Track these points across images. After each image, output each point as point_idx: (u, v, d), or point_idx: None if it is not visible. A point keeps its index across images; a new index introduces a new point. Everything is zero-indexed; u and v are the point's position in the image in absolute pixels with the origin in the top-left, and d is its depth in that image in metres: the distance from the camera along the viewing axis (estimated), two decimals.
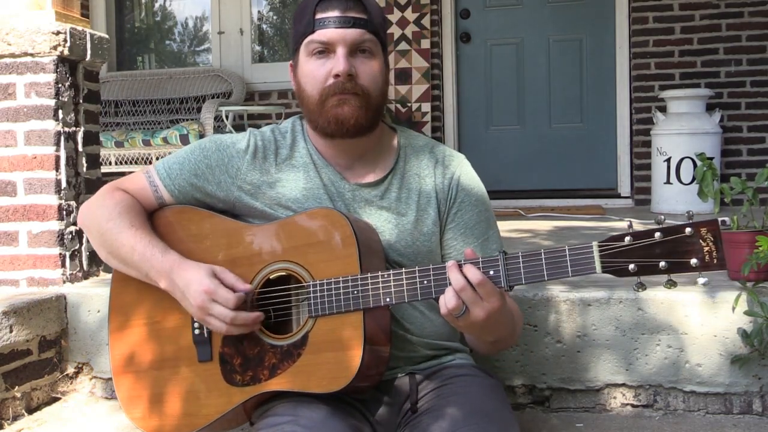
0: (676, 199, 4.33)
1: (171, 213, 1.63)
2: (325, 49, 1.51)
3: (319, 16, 1.50)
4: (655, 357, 1.97)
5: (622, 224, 3.83)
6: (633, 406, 2.00)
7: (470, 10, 5.44)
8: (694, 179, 4.19)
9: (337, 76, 1.49)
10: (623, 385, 2.00)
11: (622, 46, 5.14)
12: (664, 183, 4.41)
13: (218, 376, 1.50)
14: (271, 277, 1.49)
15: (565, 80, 5.33)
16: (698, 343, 1.95)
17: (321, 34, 1.50)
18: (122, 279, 1.61)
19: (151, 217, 1.63)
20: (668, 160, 4.37)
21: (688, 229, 1.25)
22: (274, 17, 6.12)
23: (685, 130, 4.34)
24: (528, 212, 4.55)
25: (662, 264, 1.26)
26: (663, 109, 4.58)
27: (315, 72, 1.52)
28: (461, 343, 1.66)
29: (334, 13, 1.50)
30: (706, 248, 1.24)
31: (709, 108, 4.52)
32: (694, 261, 1.25)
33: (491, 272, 1.35)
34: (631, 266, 1.27)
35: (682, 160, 4.31)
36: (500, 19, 5.42)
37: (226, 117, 4.95)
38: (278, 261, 1.49)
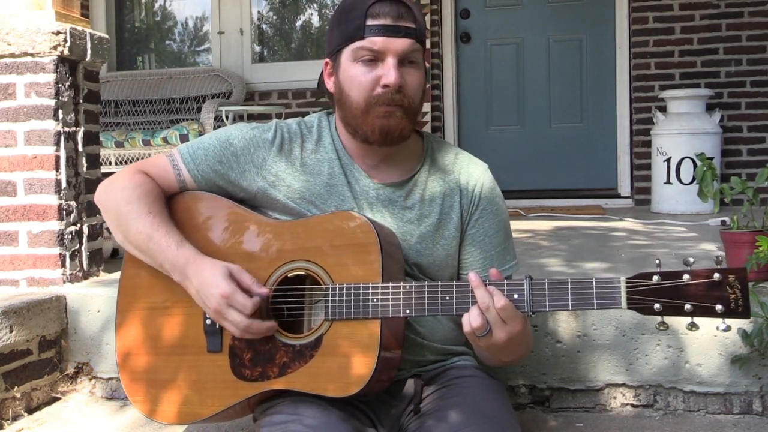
0: (676, 199, 4.33)
1: (191, 199, 1.60)
2: (374, 57, 1.48)
3: (370, 22, 1.46)
4: (655, 357, 1.97)
5: (623, 224, 3.84)
6: (633, 406, 2.00)
7: (470, 10, 5.44)
8: (694, 179, 4.19)
9: (386, 86, 1.47)
10: (623, 385, 2.00)
11: (622, 46, 5.15)
12: (664, 183, 4.41)
13: (226, 369, 1.49)
14: (289, 275, 1.48)
15: (565, 80, 5.33)
16: (698, 343, 1.95)
17: (372, 42, 1.46)
18: (135, 261, 1.59)
19: (170, 201, 1.60)
20: (668, 160, 4.37)
21: (716, 275, 1.24)
22: (274, 17, 6.12)
23: (685, 130, 4.34)
24: (528, 212, 4.55)
25: (687, 307, 1.26)
26: (663, 109, 4.58)
27: (361, 78, 1.49)
28: (465, 347, 1.66)
29: (387, 21, 1.46)
30: (733, 296, 1.24)
31: (709, 108, 4.52)
32: (719, 307, 1.24)
33: (515, 296, 1.34)
34: (657, 305, 1.27)
35: (682, 160, 4.32)
36: (500, 19, 5.42)
37: (226, 117, 4.95)
38: (298, 260, 1.48)
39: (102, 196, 1.61)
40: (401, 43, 1.47)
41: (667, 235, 3.34)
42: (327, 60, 1.57)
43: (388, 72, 1.47)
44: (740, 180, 2.10)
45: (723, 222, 2.23)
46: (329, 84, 1.58)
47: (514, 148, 5.40)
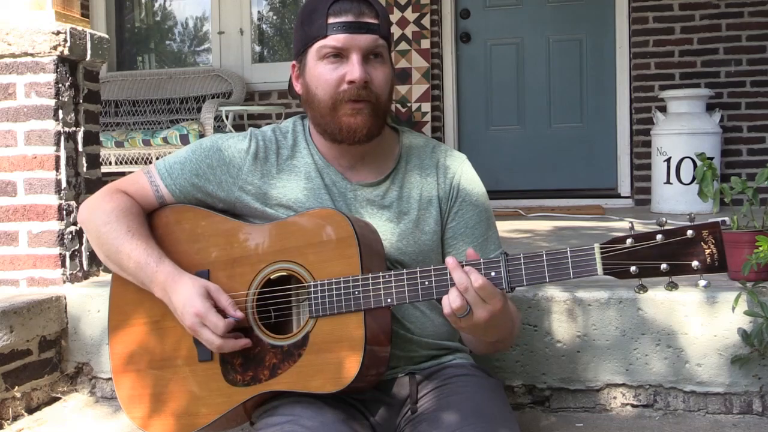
0: (676, 199, 4.33)
1: (171, 212, 1.63)
2: (339, 54, 1.48)
3: (332, 20, 1.47)
4: (655, 357, 1.97)
5: (623, 224, 3.84)
6: (633, 406, 2.00)
7: (470, 10, 5.44)
8: (694, 179, 4.19)
9: (351, 82, 1.47)
10: (623, 385, 2.00)
11: (622, 46, 5.15)
12: (664, 183, 4.41)
13: (219, 376, 1.50)
14: (271, 277, 1.49)
15: (565, 80, 5.33)
16: (698, 343, 1.95)
17: (335, 39, 1.47)
18: (122, 278, 1.61)
19: (151, 216, 1.63)
20: (668, 160, 4.37)
21: (689, 232, 1.24)
22: (274, 17, 6.13)
23: (685, 130, 4.34)
24: (528, 212, 4.55)
25: (664, 266, 1.26)
26: (663, 109, 4.58)
27: (327, 76, 1.49)
28: (460, 343, 1.66)
29: (348, 18, 1.47)
30: (708, 251, 1.24)
31: (709, 108, 4.52)
32: (695, 263, 1.24)
33: (492, 273, 1.35)
34: (633, 268, 1.27)
35: (682, 160, 4.32)
36: (500, 19, 5.42)
37: (226, 117, 4.95)
38: (279, 261, 1.49)
39: (83, 217, 1.64)
40: (365, 39, 1.48)
41: None
42: (294, 63, 1.58)
43: (353, 68, 1.47)
44: (740, 180, 2.10)
45: (723, 222, 2.23)
46: (297, 86, 1.59)
47: (514, 148, 5.40)
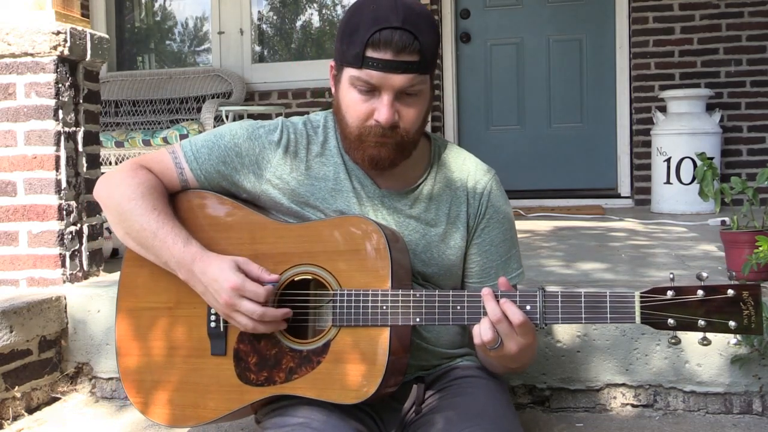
0: (676, 199, 4.33)
1: (195, 198, 1.57)
2: (371, 89, 1.42)
3: (370, 53, 1.39)
4: (655, 357, 1.97)
5: (623, 224, 3.84)
6: (633, 406, 2.00)
7: (470, 10, 5.44)
8: (694, 179, 4.19)
9: (378, 121, 1.43)
10: (623, 385, 2.00)
11: (622, 46, 5.15)
12: (664, 183, 4.41)
13: (231, 372, 1.48)
14: (295, 279, 1.46)
15: (565, 80, 5.33)
16: (698, 344, 1.94)
17: (368, 74, 1.40)
18: (136, 258, 1.56)
19: (173, 199, 1.57)
20: (668, 160, 4.37)
21: (730, 291, 1.26)
22: (274, 17, 6.12)
23: (685, 130, 4.34)
24: (528, 212, 4.56)
25: (701, 323, 1.27)
26: (663, 109, 4.59)
27: (356, 106, 1.45)
28: (468, 347, 1.65)
29: (387, 56, 1.39)
30: (746, 312, 1.25)
31: (709, 108, 4.52)
32: (732, 324, 1.26)
33: (528, 307, 1.34)
34: (670, 321, 1.28)
35: (682, 160, 4.32)
36: (500, 19, 5.43)
37: (226, 117, 4.95)
38: (305, 264, 1.46)
39: (102, 191, 1.57)
40: (399, 80, 1.41)
41: (667, 235, 3.34)
42: (332, 64, 1.53)
43: (382, 108, 1.42)
44: (740, 180, 2.10)
45: (723, 222, 2.23)
46: (332, 88, 1.54)
47: (514, 148, 5.40)
